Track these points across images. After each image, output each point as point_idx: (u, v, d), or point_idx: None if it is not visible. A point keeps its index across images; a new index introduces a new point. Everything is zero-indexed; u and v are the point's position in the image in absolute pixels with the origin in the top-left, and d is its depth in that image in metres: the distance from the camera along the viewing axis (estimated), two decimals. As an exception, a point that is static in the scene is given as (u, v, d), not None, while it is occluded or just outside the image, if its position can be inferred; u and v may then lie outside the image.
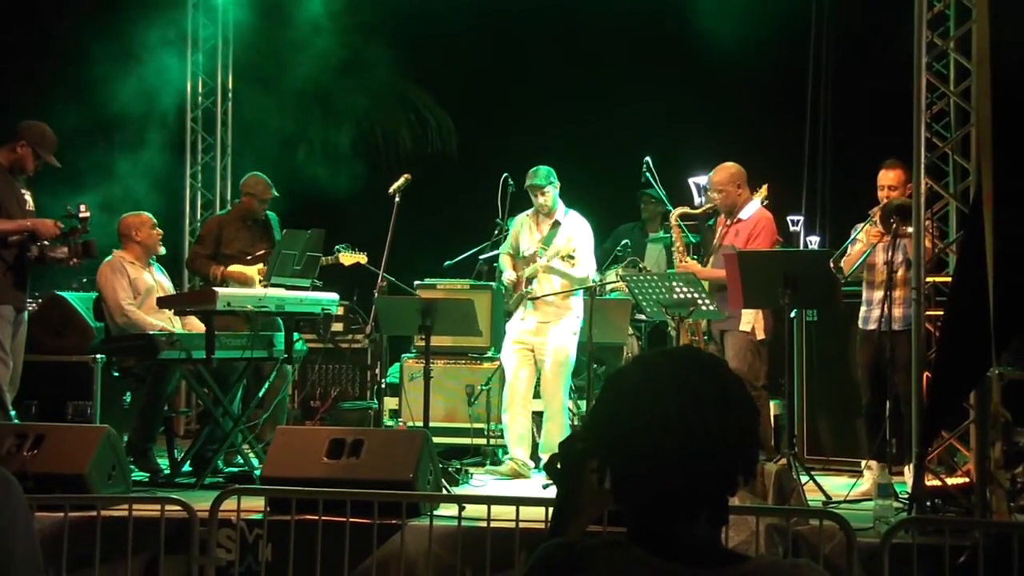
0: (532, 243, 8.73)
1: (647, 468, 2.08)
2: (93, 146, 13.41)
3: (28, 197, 8.05)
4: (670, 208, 9.32)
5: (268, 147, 14.22)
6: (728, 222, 8.41)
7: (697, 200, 9.50)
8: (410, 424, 8.75)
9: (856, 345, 8.08)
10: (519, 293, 8.69)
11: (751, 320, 8.14)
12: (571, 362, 8.60)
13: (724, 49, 12.64)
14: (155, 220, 8.68)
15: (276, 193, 9.20)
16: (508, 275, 8.84)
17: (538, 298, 8.56)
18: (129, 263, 8.42)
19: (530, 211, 8.86)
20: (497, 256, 9.49)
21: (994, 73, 5.66)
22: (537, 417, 8.83)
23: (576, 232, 8.67)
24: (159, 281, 8.59)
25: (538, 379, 8.70)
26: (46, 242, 7.84)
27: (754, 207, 8.37)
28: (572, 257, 8.48)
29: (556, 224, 8.72)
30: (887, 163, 7.86)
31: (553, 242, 8.62)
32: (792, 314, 8.25)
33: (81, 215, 7.93)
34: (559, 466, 2.38)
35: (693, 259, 8.72)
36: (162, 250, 8.71)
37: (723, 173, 8.37)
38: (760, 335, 8.18)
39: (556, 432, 8.32)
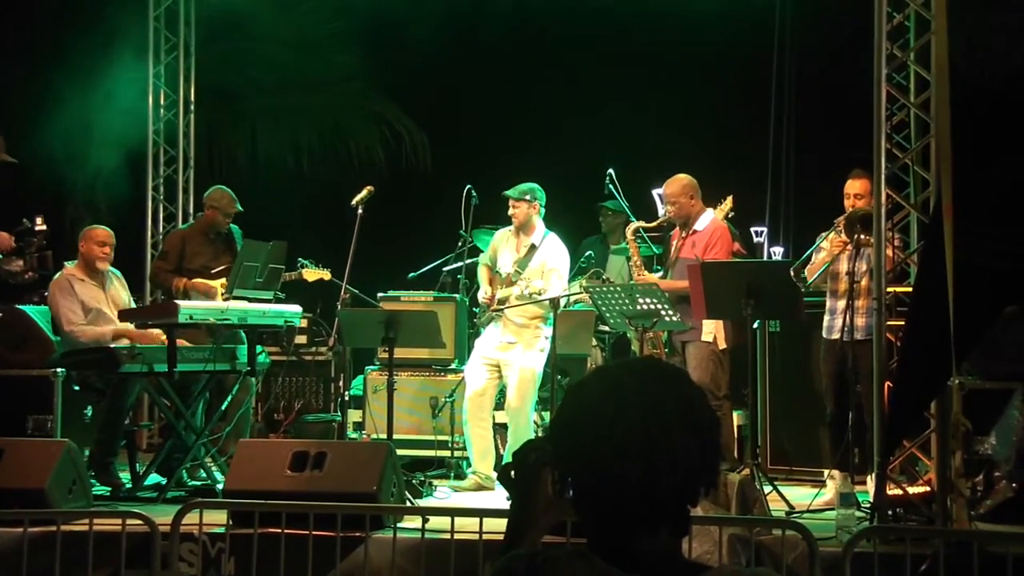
0: (509, 263, 8.68)
1: (609, 479, 2.08)
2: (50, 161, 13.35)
3: None
4: (633, 219, 9.34)
5: (236, 160, 14.20)
6: (683, 234, 8.43)
7: (661, 211, 9.53)
8: (374, 436, 8.72)
9: (820, 355, 8.10)
10: (489, 314, 8.66)
11: (712, 330, 8.16)
12: (538, 380, 8.57)
13: (687, 61, 12.71)
14: (108, 238, 8.54)
15: (240, 208, 9.15)
16: (482, 292, 8.82)
17: (508, 307, 8.48)
18: (78, 280, 8.34)
19: (511, 227, 8.81)
20: (460, 268, 9.47)
21: (953, 84, 5.71)
22: (500, 429, 8.82)
23: (551, 257, 8.61)
24: (112, 296, 8.49)
25: (502, 393, 8.68)
26: (1, 255, 7.72)
27: (708, 218, 8.39)
28: (539, 293, 8.44)
29: (533, 248, 8.67)
30: (854, 173, 7.88)
31: (528, 266, 8.57)
32: (755, 324, 8.28)
33: (37, 228, 7.83)
34: (513, 475, 2.37)
35: (657, 270, 8.74)
36: (104, 267, 8.56)
37: (675, 185, 8.40)
38: (722, 344, 8.20)
39: (521, 447, 8.29)
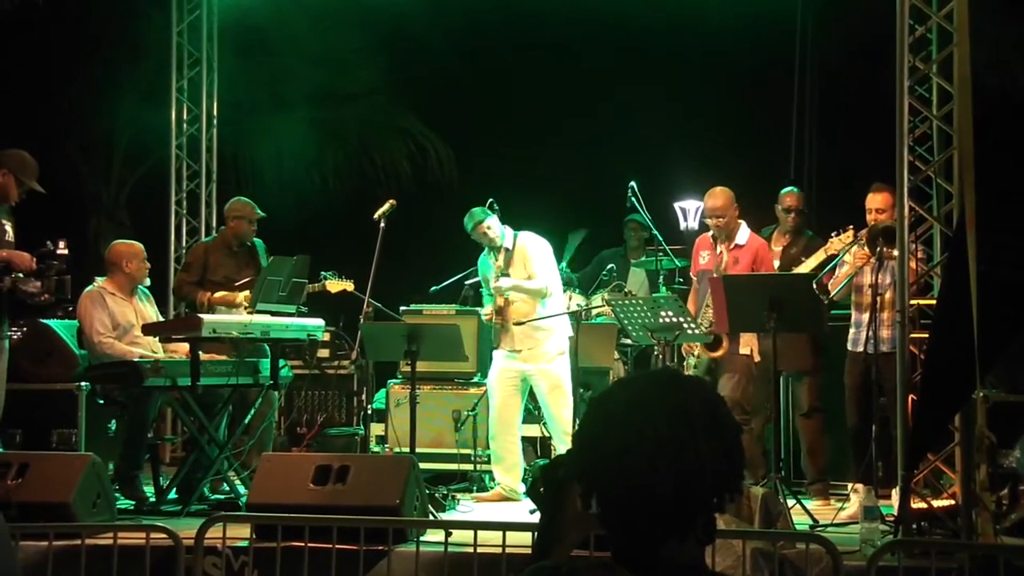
0: (494, 277, 8.71)
1: (638, 489, 2.08)
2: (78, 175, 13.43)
3: (8, 227, 7.87)
4: (656, 233, 9.33)
5: (261, 174, 14.28)
6: (721, 247, 8.32)
7: (683, 224, 9.52)
8: (396, 450, 8.72)
9: (844, 367, 8.06)
10: (496, 327, 8.66)
11: (749, 342, 8.10)
12: (567, 381, 8.55)
13: (708, 73, 12.73)
14: (145, 252, 8.63)
15: (262, 213, 9.17)
16: (483, 312, 8.87)
17: (522, 323, 8.50)
18: (110, 294, 8.36)
19: (486, 251, 8.85)
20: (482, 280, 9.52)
21: (975, 96, 5.70)
22: (526, 443, 8.82)
23: (529, 249, 8.64)
24: (140, 310, 8.51)
25: (538, 404, 8.70)
26: (20, 274, 7.71)
27: (746, 233, 8.34)
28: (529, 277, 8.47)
29: (507, 251, 8.66)
30: (875, 186, 7.87)
31: (511, 268, 8.60)
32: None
33: (59, 251, 7.82)
34: (542, 491, 2.37)
35: (679, 283, 8.71)
36: (147, 282, 8.66)
37: (722, 198, 8.29)
38: (757, 358, 8.14)
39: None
